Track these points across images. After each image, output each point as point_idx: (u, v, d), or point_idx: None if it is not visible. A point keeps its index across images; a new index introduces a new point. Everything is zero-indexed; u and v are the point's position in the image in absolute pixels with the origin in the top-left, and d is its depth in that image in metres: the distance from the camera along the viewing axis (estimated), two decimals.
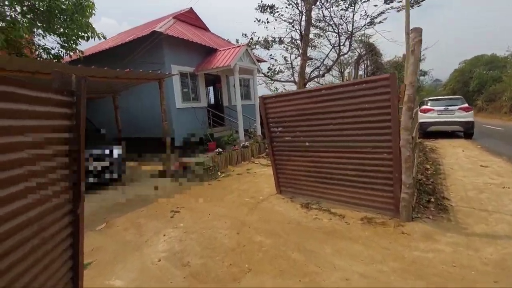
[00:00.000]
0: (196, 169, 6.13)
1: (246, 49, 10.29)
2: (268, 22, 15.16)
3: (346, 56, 22.09)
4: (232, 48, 10.33)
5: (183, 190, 5.45)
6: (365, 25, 14.39)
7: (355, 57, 24.05)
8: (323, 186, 4.12)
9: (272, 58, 18.73)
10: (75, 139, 1.95)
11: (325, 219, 3.62)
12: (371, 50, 23.15)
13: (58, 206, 1.80)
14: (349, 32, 14.04)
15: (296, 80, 16.96)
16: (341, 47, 14.54)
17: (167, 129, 6.99)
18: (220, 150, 6.91)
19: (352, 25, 13.76)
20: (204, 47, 10.52)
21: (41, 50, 8.63)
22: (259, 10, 15.51)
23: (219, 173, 6.52)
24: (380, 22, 14.73)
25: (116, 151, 5.96)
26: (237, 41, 15.49)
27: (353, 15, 13.58)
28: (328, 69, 15.85)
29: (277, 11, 14.93)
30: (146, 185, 5.96)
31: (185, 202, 4.75)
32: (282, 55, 29.81)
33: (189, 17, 12.14)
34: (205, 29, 13.21)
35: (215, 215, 4.04)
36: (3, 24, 7.63)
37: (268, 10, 14.86)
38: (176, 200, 4.85)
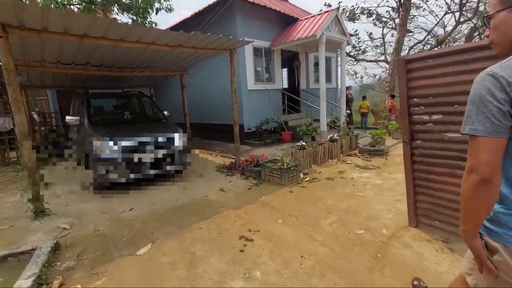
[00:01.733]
0: (272, 167, 4.58)
1: (336, 15, 8.09)
2: None
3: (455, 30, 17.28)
4: (318, 15, 8.26)
5: (256, 197, 3.96)
6: None
7: (467, 31, 18.67)
8: None
9: (356, 35, 15.76)
10: None
11: None
12: None
13: None
14: None
15: (389, 59, 13.79)
16: (462, 12, 10.76)
17: (237, 113, 5.61)
18: (304, 143, 5.18)
19: None
20: (282, 18, 8.76)
21: None
22: None
23: (301, 175, 4.83)
24: None
25: (179, 139, 4.84)
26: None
27: None
28: (439, 43, 12.19)
29: None
30: (210, 183, 4.71)
31: (260, 219, 3.22)
32: (367, 31, 25.69)
33: None
34: None
35: (313, 260, 2.37)
36: (82, 7, 7.31)
37: None
38: (247, 215, 3.38)
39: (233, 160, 5.74)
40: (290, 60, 10.48)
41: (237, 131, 5.69)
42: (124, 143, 4.25)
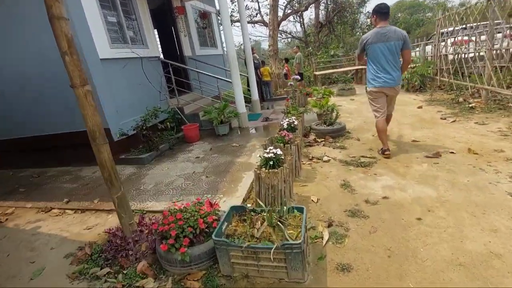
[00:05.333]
0: (255, 246, 1.68)
1: None
2: None
3: None
4: None
5: None
6: None
7: None
8: None
9: None
10: None
11: None
12: None
13: None
14: None
15: (267, 19, 12.36)
16: None
17: (90, 106, 2.08)
18: (278, 151, 2.43)
19: None
20: None
21: None
22: None
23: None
24: None
25: None
26: None
27: None
28: None
29: None
30: None
31: None
32: None
33: None
34: None
35: None
36: None
37: None
38: None
39: (117, 227, 2.29)
40: (159, 17, 6.88)
41: (108, 153, 2.20)
42: None
